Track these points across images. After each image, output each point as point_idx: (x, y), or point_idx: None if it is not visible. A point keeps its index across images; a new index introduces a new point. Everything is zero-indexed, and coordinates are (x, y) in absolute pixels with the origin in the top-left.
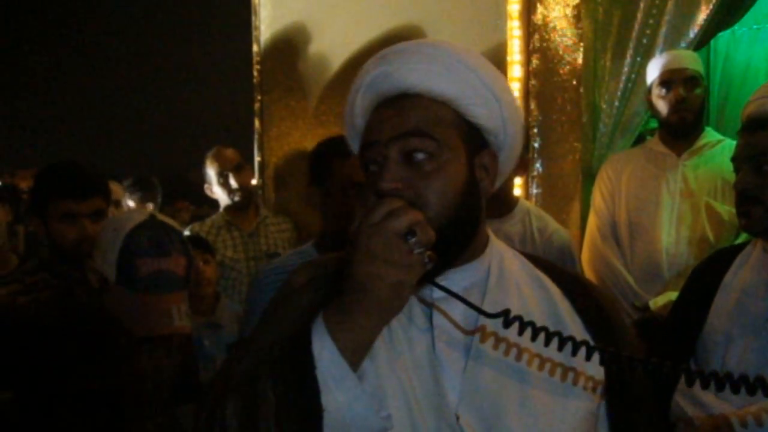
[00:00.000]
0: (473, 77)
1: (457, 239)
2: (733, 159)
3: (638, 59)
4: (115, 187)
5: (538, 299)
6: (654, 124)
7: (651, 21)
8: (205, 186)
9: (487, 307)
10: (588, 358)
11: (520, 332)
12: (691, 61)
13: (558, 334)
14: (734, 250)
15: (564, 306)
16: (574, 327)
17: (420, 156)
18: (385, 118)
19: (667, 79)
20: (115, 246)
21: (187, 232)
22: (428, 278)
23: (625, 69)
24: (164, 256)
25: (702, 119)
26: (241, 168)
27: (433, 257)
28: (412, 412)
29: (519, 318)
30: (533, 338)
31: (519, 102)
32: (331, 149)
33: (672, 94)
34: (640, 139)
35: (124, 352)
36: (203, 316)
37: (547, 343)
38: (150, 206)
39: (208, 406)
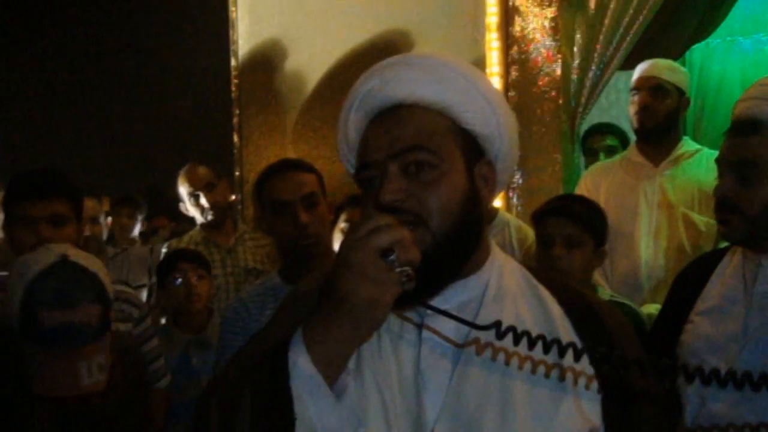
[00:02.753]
0: (466, 84)
1: (460, 250)
2: (717, 161)
3: (597, 73)
4: (92, 203)
5: (534, 316)
6: (611, 141)
7: (613, 40)
8: (180, 204)
9: (480, 323)
10: (576, 358)
11: (516, 342)
12: (663, 70)
13: (557, 341)
14: (716, 256)
15: (563, 325)
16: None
17: (418, 167)
18: (380, 134)
19: (636, 86)
20: (17, 293)
21: (164, 249)
22: (417, 298)
23: (589, 83)
24: (71, 308)
25: (675, 129)
26: (213, 186)
27: (412, 276)
28: (391, 428)
29: (512, 328)
30: (530, 347)
31: None
32: (261, 175)
33: (638, 99)
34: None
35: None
36: (193, 332)
37: (546, 351)
38: (138, 220)
39: (196, 413)
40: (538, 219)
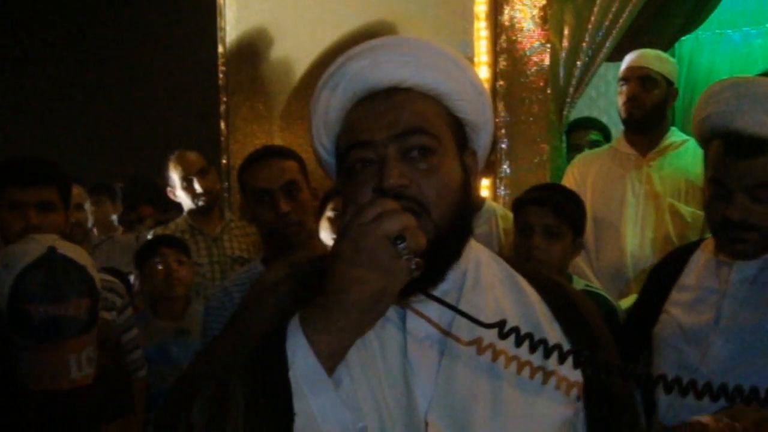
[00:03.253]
0: (461, 73)
1: (458, 239)
2: (717, 182)
3: (586, 62)
4: (77, 190)
5: (514, 304)
6: (595, 136)
7: (601, 30)
8: (168, 189)
9: (457, 316)
10: (576, 366)
11: (518, 344)
12: (652, 60)
13: (559, 347)
14: (689, 248)
15: (542, 311)
16: (552, 332)
17: (420, 153)
18: (378, 114)
19: (625, 76)
20: (4, 287)
21: (150, 236)
22: (420, 286)
23: (577, 73)
24: (61, 302)
25: (663, 119)
26: (206, 172)
27: (420, 265)
28: (383, 419)
29: (516, 329)
30: (532, 350)
31: None
32: (243, 162)
33: (626, 90)
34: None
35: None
36: (172, 320)
37: (547, 356)
38: (113, 207)
39: (172, 407)
40: (518, 207)
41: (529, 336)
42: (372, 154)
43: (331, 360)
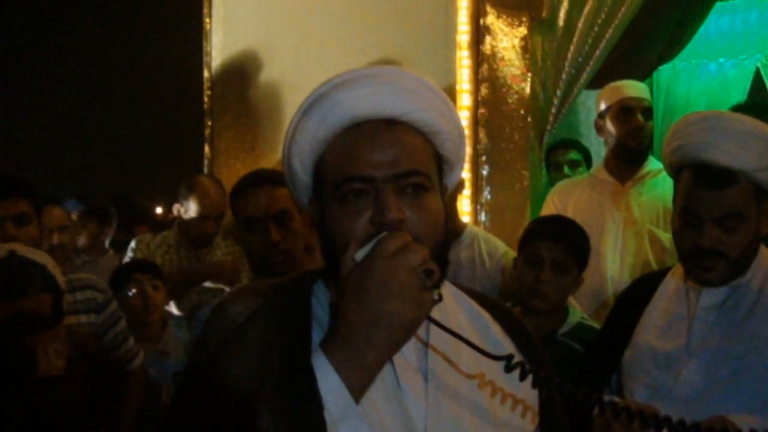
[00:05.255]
0: (451, 114)
1: (444, 273)
2: (689, 211)
3: (565, 90)
4: (59, 212)
5: (475, 328)
6: (575, 155)
7: (579, 59)
8: (176, 205)
9: (432, 338)
10: (585, 403)
11: (522, 378)
12: (646, 92)
13: (560, 382)
14: (658, 276)
15: (497, 330)
16: (510, 349)
17: (413, 189)
18: (376, 148)
19: (629, 106)
20: None
21: (130, 253)
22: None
23: (556, 101)
24: (22, 296)
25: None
26: (221, 217)
27: (441, 295)
28: None
29: (522, 364)
30: (534, 385)
31: (468, 131)
32: (235, 187)
33: (633, 120)
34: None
35: None
36: (150, 343)
37: (548, 388)
38: (111, 229)
39: None
40: (529, 238)
41: (533, 371)
42: (368, 187)
43: (361, 393)
